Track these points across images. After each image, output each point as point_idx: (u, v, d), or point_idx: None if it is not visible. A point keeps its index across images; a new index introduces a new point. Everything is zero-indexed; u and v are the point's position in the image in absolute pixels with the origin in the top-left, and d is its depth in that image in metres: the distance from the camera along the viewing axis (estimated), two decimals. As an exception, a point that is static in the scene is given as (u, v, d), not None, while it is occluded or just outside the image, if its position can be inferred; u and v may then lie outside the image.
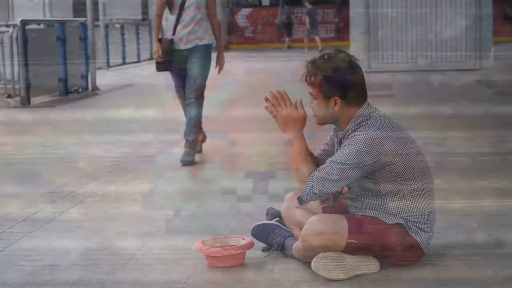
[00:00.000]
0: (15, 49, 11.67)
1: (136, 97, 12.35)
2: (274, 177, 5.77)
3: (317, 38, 25.99)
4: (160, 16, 6.62)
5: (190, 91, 6.54)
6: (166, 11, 6.58)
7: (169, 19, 6.58)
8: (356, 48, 15.19)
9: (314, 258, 3.62)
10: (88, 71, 13.51)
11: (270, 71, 17.46)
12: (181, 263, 3.90)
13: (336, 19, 30.43)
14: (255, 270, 3.78)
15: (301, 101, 3.80)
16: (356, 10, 15.70)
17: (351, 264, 3.61)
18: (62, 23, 12.97)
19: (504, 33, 26.51)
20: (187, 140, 6.57)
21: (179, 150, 6.62)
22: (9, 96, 11.98)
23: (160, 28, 6.66)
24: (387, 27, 15.57)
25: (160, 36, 6.66)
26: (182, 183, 5.93)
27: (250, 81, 14.70)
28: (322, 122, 3.79)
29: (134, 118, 9.54)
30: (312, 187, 3.65)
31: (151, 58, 22.82)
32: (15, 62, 11.68)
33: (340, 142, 3.78)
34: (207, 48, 6.62)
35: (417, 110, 9.44)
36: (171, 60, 6.58)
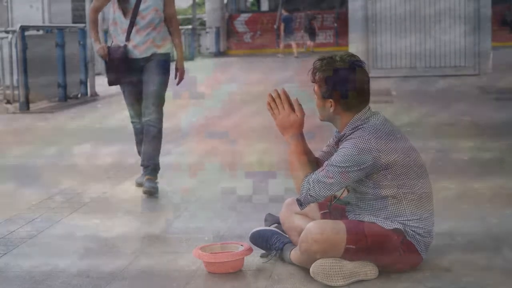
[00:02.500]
0: (14, 55, 11.70)
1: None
2: (274, 178, 5.78)
3: (293, 44, 26.33)
4: (98, 10, 5.72)
5: (148, 108, 5.64)
6: (118, 13, 5.61)
7: (119, 22, 5.62)
8: (354, 53, 15.18)
9: (313, 264, 3.62)
10: (87, 76, 13.53)
11: (269, 76, 17.47)
12: (180, 270, 3.90)
13: (335, 25, 30.49)
14: (253, 276, 3.78)
15: (297, 102, 3.80)
16: (354, 16, 15.72)
17: (350, 270, 3.62)
18: (61, 29, 12.99)
19: (503, 38, 26.54)
20: (147, 166, 5.70)
21: (178, 151, 6.57)
22: (8, 102, 12.00)
23: (97, 23, 5.75)
24: (386, 32, 15.59)
25: (107, 44, 5.73)
26: (182, 185, 5.93)
27: (249, 86, 14.72)
28: (322, 118, 3.83)
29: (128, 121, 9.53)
30: (309, 189, 3.67)
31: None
32: (14, 68, 11.71)
33: (337, 144, 3.80)
34: (166, 58, 5.71)
35: (416, 115, 9.46)
36: (125, 70, 5.61)
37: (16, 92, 11.78)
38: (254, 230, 4.11)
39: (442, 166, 6.22)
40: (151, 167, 5.69)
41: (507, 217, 4.65)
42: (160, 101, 5.66)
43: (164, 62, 5.69)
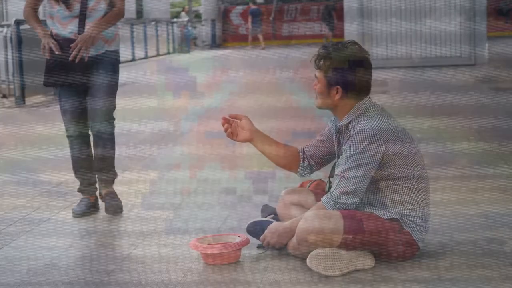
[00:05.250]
0: (9, 49, 11.68)
1: (131, 96, 12.35)
2: (273, 177, 5.77)
3: (260, 37, 27.26)
4: (35, 7, 4.90)
5: (97, 116, 4.81)
6: (57, 7, 4.80)
7: (56, 15, 4.81)
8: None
9: (310, 254, 3.63)
10: (83, 70, 13.47)
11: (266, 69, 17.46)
12: (177, 261, 3.90)
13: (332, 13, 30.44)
14: (250, 267, 3.78)
15: (248, 120, 3.99)
16: (350, 6, 15.71)
17: (347, 260, 3.62)
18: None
19: (498, 28, 26.54)
20: (103, 180, 4.99)
21: (180, 148, 6.52)
22: (4, 96, 11.99)
23: (39, 19, 4.89)
24: (381, 23, 15.59)
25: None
26: (180, 182, 5.93)
27: (248, 79, 14.71)
28: (321, 106, 3.82)
29: (130, 115, 9.54)
30: (336, 203, 3.66)
31: (146, 57, 22.87)
32: (10, 62, 11.69)
33: (339, 132, 3.82)
34: (116, 56, 4.92)
35: (411, 106, 9.47)
36: (69, 69, 4.72)
37: (11, 86, 11.77)
38: (251, 221, 4.12)
39: (438, 158, 6.22)
40: (109, 181, 5.01)
41: (508, 215, 4.63)
42: (112, 110, 4.90)
43: (115, 62, 4.90)
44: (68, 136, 4.94)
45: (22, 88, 11.44)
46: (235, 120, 3.99)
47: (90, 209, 4.96)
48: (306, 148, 4.03)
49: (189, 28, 28.15)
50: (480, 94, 10.64)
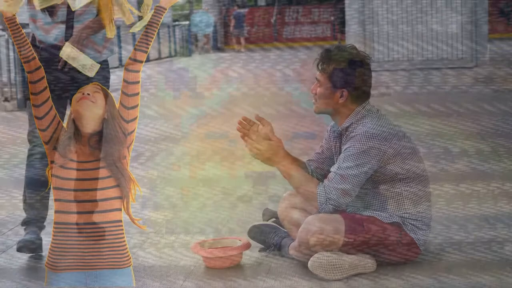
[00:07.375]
0: (11, 53, 11.69)
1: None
2: (273, 178, 5.77)
3: (242, 40, 28.14)
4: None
5: None
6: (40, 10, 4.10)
7: (38, 18, 4.21)
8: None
9: (311, 258, 3.63)
10: (85, 73, 13.48)
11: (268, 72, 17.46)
12: (179, 264, 3.91)
13: (332, 18, 30.47)
14: (252, 270, 3.79)
15: (271, 129, 3.77)
16: (352, 9, 15.72)
17: (348, 263, 3.62)
18: (58, 26, 12.93)
19: (500, 29, 26.52)
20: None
21: (182, 148, 6.49)
22: (6, 99, 11.99)
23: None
24: (383, 25, 15.59)
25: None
26: (181, 183, 5.94)
27: (248, 82, 14.71)
28: (320, 110, 3.79)
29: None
30: (328, 199, 3.63)
31: (148, 60, 22.88)
32: (12, 65, 11.71)
33: (340, 136, 3.80)
34: (106, 65, 4.37)
35: (413, 108, 9.46)
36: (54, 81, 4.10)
37: (13, 89, 11.78)
38: (253, 225, 4.12)
39: (440, 161, 6.22)
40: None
41: (508, 216, 4.62)
42: None
43: (105, 72, 4.35)
44: (33, 149, 4.26)
45: (24, 91, 11.45)
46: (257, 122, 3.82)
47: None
48: (309, 163, 3.98)
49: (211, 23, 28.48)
50: (481, 95, 10.64)
